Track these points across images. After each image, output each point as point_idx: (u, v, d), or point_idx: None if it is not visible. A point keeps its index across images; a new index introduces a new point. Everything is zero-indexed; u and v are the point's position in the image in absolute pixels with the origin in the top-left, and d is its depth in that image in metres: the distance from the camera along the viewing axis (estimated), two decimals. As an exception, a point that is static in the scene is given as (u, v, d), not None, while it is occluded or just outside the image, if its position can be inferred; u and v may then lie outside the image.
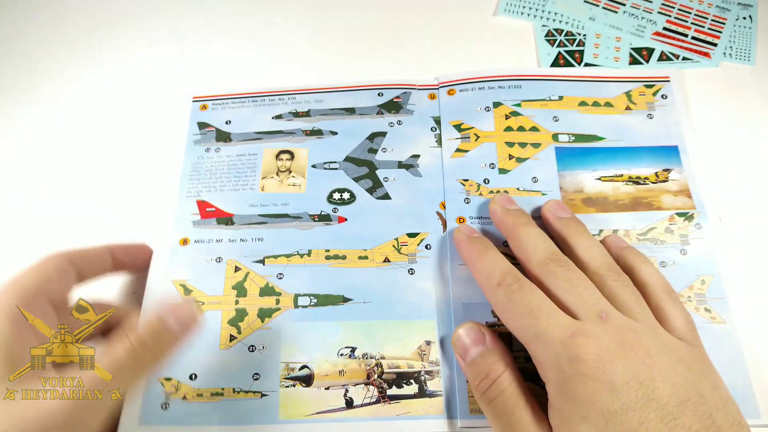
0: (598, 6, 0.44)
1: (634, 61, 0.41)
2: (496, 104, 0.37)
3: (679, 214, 0.34)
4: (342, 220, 0.34)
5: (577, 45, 0.42)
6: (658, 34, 0.42)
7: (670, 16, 0.43)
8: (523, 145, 0.36)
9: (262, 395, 0.29)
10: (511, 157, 0.35)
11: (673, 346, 0.25)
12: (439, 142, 0.36)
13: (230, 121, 0.37)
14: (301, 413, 0.29)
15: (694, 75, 0.40)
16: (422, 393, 0.30)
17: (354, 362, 0.30)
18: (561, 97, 0.37)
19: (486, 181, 0.35)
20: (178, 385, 0.29)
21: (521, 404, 0.25)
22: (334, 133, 0.37)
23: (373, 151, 0.36)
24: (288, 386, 0.29)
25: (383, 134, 0.36)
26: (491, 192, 0.34)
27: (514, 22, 0.43)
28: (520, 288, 0.26)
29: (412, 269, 0.32)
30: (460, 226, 0.32)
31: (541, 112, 0.37)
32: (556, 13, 0.43)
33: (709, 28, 0.42)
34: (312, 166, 0.35)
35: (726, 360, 0.29)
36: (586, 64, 0.41)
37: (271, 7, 0.45)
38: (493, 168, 0.35)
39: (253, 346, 0.30)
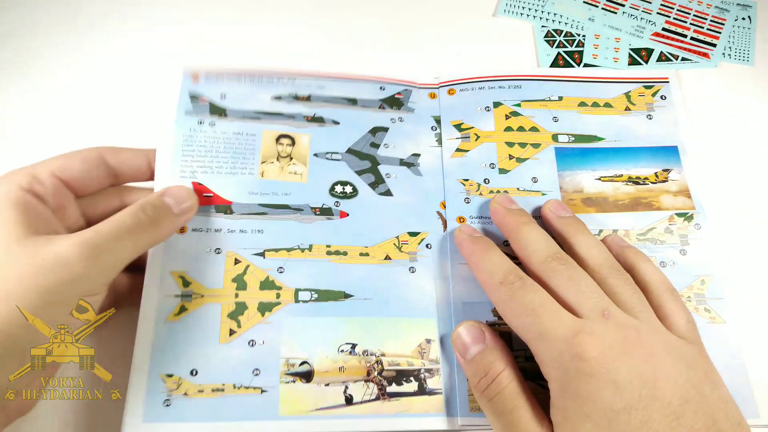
0: (597, 7, 0.44)
1: (633, 62, 0.41)
2: (496, 104, 0.37)
3: (679, 215, 0.34)
4: (344, 215, 0.33)
5: (577, 45, 0.42)
6: (657, 34, 0.42)
7: (669, 16, 0.43)
8: (523, 145, 0.36)
9: (262, 391, 0.29)
10: (511, 157, 0.35)
11: (674, 345, 0.25)
12: (440, 141, 0.36)
13: (225, 96, 0.36)
14: (301, 409, 0.28)
15: (694, 75, 0.40)
16: (422, 391, 0.29)
17: (354, 359, 0.30)
18: (561, 98, 0.37)
19: (486, 181, 0.35)
20: (179, 382, 0.29)
21: (521, 402, 0.25)
22: (336, 123, 0.36)
23: (375, 145, 0.36)
24: (288, 382, 0.29)
25: (385, 129, 0.36)
26: (491, 192, 0.34)
27: (513, 23, 0.43)
28: (523, 286, 0.26)
29: (412, 267, 0.32)
30: (462, 226, 0.32)
31: (540, 112, 0.37)
32: (555, 14, 0.43)
33: (708, 29, 0.43)
34: (314, 155, 0.35)
35: (725, 360, 0.29)
36: (586, 65, 0.41)
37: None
38: (493, 168, 0.35)
39: (252, 340, 0.30)
